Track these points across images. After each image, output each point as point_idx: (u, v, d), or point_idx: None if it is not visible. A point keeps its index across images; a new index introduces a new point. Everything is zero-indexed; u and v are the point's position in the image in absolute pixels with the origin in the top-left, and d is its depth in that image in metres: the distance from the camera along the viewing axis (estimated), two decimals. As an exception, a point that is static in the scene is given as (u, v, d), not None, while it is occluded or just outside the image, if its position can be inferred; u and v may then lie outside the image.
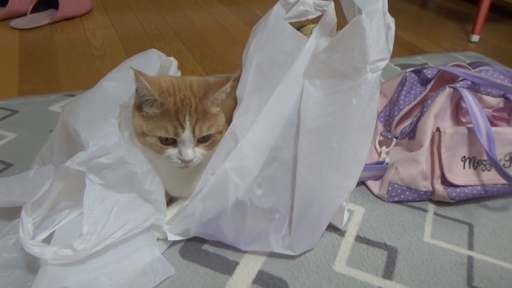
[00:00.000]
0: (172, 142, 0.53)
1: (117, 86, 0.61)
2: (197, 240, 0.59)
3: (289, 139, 0.60)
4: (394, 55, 1.31)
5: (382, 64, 0.58)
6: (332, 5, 0.64)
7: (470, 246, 0.64)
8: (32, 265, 0.50)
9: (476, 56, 1.36)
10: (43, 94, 0.90)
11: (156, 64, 0.70)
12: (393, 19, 0.61)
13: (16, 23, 1.22)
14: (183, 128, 0.52)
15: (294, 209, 0.59)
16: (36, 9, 1.28)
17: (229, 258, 0.57)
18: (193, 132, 0.52)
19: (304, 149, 0.58)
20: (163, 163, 0.56)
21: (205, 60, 1.14)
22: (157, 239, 0.58)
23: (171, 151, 0.53)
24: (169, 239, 0.58)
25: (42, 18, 1.27)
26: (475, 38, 1.52)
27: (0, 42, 1.14)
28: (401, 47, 1.39)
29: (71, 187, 0.53)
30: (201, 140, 0.54)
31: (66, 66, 1.05)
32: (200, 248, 0.58)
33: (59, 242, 0.51)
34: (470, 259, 0.62)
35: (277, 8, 0.65)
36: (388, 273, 0.58)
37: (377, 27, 0.57)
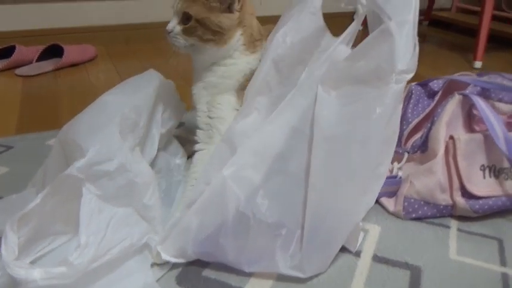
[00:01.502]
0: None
1: (117, 98, 0.60)
2: (196, 264, 0.53)
3: (297, 150, 0.56)
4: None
5: (408, 76, 0.55)
6: (362, 12, 0.63)
7: (503, 263, 0.57)
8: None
9: (481, 80, 1.34)
10: (40, 131, 0.88)
11: (156, 83, 0.68)
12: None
13: (21, 70, 1.24)
14: (175, 2, 0.63)
15: (305, 225, 0.53)
16: (41, 58, 1.32)
17: (232, 284, 0.51)
18: (177, 7, 0.63)
19: (318, 159, 0.54)
20: None
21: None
22: (152, 264, 0.52)
23: None
24: (163, 259, 0.52)
25: (47, 65, 1.30)
26: (478, 64, 1.52)
27: (3, 87, 1.16)
28: (405, 76, 1.38)
29: (64, 207, 0.49)
30: (183, 21, 0.63)
31: (67, 106, 1.04)
32: (200, 274, 0.52)
33: (47, 265, 0.46)
34: (505, 276, 0.54)
35: None
36: (413, 294, 0.51)
37: (406, 37, 0.55)
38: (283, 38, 0.58)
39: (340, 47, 0.61)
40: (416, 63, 0.57)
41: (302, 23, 0.59)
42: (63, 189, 0.46)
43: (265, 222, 0.52)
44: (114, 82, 1.19)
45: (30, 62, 1.30)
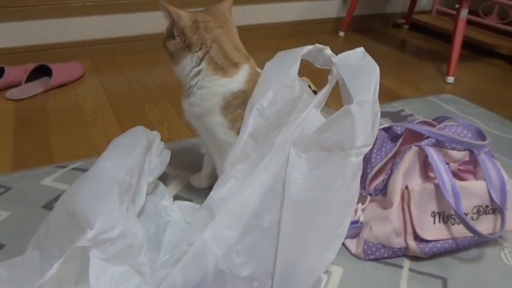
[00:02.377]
0: None
1: (112, 165, 0.67)
2: (181, 313, 0.62)
3: (270, 207, 0.64)
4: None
5: (366, 149, 0.63)
6: (333, 78, 0.71)
7: (445, 302, 0.67)
8: None
9: (451, 98, 1.43)
10: (35, 167, 0.95)
11: (144, 141, 0.75)
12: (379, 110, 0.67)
13: (11, 93, 1.28)
14: None
15: (274, 277, 0.62)
16: (29, 78, 1.35)
17: (212, 332, 0.60)
18: None
19: (287, 220, 0.62)
20: None
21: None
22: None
23: None
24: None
25: (36, 87, 1.34)
26: (450, 79, 1.60)
27: (-5, 114, 1.20)
28: (380, 94, 1.45)
29: (73, 271, 0.57)
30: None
31: (58, 134, 1.10)
32: (184, 322, 0.61)
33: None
34: (444, 316, 0.64)
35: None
36: (365, 336, 0.60)
37: (366, 116, 0.63)
38: (260, 112, 0.65)
39: (312, 110, 0.69)
40: (375, 135, 0.65)
41: (278, 96, 0.66)
42: (74, 257, 0.54)
43: (240, 276, 0.61)
44: (102, 105, 1.26)
45: (19, 83, 1.34)
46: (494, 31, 1.99)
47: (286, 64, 0.68)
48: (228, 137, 0.71)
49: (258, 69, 0.75)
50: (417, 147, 0.78)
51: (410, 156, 0.77)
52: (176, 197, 0.86)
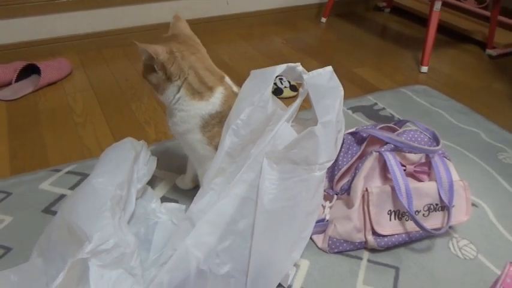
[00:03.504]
0: None
1: (104, 180, 0.75)
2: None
3: (245, 213, 0.74)
4: (348, 95, 1.48)
5: (328, 164, 0.73)
6: (300, 100, 0.79)
7: (389, 289, 0.78)
8: None
9: (423, 90, 1.51)
10: (32, 171, 1.02)
11: (132, 152, 0.83)
12: (343, 120, 0.77)
13: (3, 94, 1.34)
14: None
15: (248, 274, 0.73)
16: (19, 77, 1.40)
17: (195, 321, 0.71)
18: None
19: (259, 226, 0.72)
20: None
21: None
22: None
23: None
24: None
25: (27, 86, 1.39)
26: (424, 69, 1.68)
27: (-11, 116, 1.26)
28: (357, 86, 1.54)
29: (74, 277, 0.66)
30: None
31: (51, 137, 1.17)
32: (171, 314, 0.71)
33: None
34: (393, 301, 0.76)
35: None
36: (324, 321, 0.72)
37: (329, 136, 0.72)
38: (235, 132, 0.73)
39: (284, 124, 0.77)
40: (337, 151, 0.74)
41: (252, 117, 0.74)
42: (75, 266, 0.64)
43: (219, 274, 0.71)
44: (91, 104, 1.32)
45: (10, 83, 1.39)
46: (472, 15, 2.05)
47: (260, 86, 0.76)
48: (207, 152, 0.79)
49: (234, 89, 0.82)
50: (377, 153, 0.87)
51: (370, 162, 0.86)
52: (163, 199, 0.95)
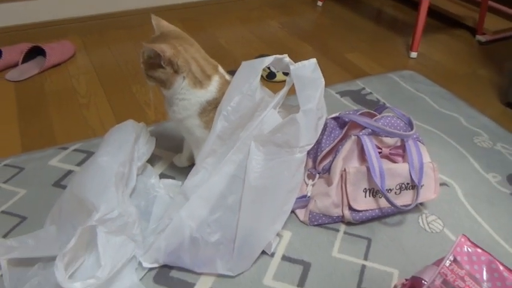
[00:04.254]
0: None
1: (108, 159, 0.85)
2: (166, 268, 0.83)
3: (233, 189, 0.83)
4: (338, 80, 1.55)
5: (308, 147, 0.82)
6: (287, 88, 0.87)
7: (366, 257, 0.88)
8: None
9: (410, 75, 1.58)
10: (41, 149, 1.12)
11: (132, 133, 0.92)
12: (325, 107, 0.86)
13: (10, 75, 1.41)
14: None
15: (235, 242, 0.83)
16: (25, 58, 1.48)
17: (188, 281, 0.81)
18: None
19: (246, 200, 0.82)
20: None
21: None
22: (136, 269, 0.81)
23: None
24: (144, 266, 0.81)
25: (33, 67, 1.46)
26: (414, 54, 1.74)
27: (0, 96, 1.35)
28: (346, 71, 1.61)
29: (83, 242, 0.76)
30: None
31: (58, 117, 1.26)
32: (168, 275, 0.82)
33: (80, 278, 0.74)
34: (363, 267, 0.86)
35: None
36: (301, 282, 0.82)
37: (309, 122, 0.81)
38: (225, 117, 0.82)
39: (271, 110, 0.86)
40: (317, 135, 0.83)
41: (241, 104, 0.82)
42: (85, 232, 0.74)
43: (209, 242, 0.81)
44: (94, 86, 1.41)
45: (16, 64, 1.46)
46: (464, 0, 2.10)
47: (248, 76, 0.84)
48: (204, 135, 0.87)
49: (227, 77, 0.90)
50: (356, 137, 0.96)
51: (349, 145, 0.95)
52: (162, 175, 1.04)
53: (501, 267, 0.69)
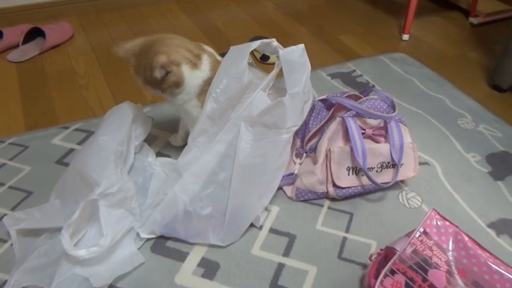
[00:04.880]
0: None
1: (108, 138, 0.90)
2: (162, 239, 0.90)
3: (224, 167, 0.89)
4: (330, 62, 1.59)
5: (295, 129, 0.88)
6: (276, 71, 0.92)
7: (347, 230, 0.95)
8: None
9: (401, 58, 1.62)
10: (44, 128, 1.17)
11: (130, 114, 0.98)
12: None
13: (12, 56, 1.46)
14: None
15: (226, 215, 0.90)
16: (25, 39, 1.51)
17: (183, 250, 0.88)
18: None
19: (236, 177, 0.88)
20: None
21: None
22: (134, 239, 0.88)
23: None
24: (141, 237, 0.88)
25: (33, 49, 1.50)
26: (406, 37, 1.78)
27: (2, 77, 1.39)
28: (339, 53, 1.64)
29: (85, 214, 0.83)
30: None
31: (59, 98, 1.31)
32: (164, 245, 0.89)
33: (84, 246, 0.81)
34: (344, 239, 0.93)
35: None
36: (287, 253, 0.89)
37: (295, 105, 0.86)
38: (215, 99, 0.87)
39: (260, 92, 0.91)
40: (303, 117, 0.89)
41: (229, 87, 0.87)
42: (87, 206, 0.80)
43: (202, 215, 0.88)
44: (93, 67, 1.45)
45: (17, 45, 1.50)
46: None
47: (236, 60, 0.89)
48: (200, 114, 0.93)
49: (218, 58, 0.95)
50: (341, 118, 1.01)
51: (334, 126, 1.01)
52: (158, 154, 1.11)
53: (466, 238, 0.76)
